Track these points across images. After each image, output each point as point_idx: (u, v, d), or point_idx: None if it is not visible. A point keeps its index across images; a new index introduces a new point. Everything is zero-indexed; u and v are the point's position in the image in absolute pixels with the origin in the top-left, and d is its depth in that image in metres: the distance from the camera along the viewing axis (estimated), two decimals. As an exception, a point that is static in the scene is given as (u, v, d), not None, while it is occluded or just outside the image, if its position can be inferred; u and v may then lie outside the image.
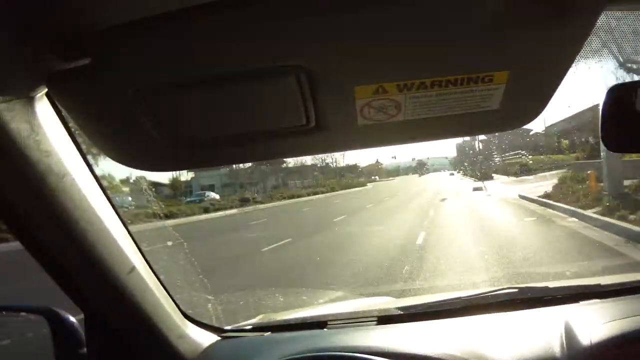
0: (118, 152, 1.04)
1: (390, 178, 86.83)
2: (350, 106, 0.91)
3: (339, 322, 1.79)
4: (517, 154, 44.54)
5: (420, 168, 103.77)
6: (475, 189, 29.21)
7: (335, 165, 69.97)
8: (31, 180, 1.07)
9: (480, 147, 54.85)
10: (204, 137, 0.99)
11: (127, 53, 0.83)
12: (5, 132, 0.97)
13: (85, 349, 1.48)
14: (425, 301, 1.91)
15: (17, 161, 1.03)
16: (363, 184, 60.52)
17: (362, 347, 1.49)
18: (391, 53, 0.83)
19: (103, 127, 0.98)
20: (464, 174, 61.39)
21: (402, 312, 1.76)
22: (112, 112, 0.94)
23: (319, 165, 65.25)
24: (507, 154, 47.08)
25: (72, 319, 1.50)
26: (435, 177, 73.86)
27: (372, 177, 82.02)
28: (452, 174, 71.79)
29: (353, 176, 73.58)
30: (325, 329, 1.76)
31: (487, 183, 34.24)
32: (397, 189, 40.90)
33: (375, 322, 1.74)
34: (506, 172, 40.59)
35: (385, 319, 1.75)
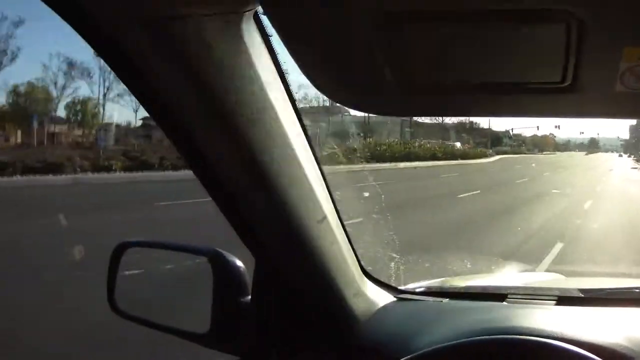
0: (337, 90, 0.95)
1: (553, 153, 76.86)
2: (613, 68, 0.80)
3: (518, 296, 1.67)
4: None
5: (590, 146, 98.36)
6: None
7: (489, 127, 59.74)
8: (227, 109, 1.00)
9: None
10: (444, 84, 0.88)
11: None
12: (206, 49, 0.90)
13: (249, 297, 1.42)
14: (606, 285, 1.80)
15: (215, 84, 0.96)
16: (481, 155, 44.33)
17: (541, 329, 1.38)
18: None
19: (323, 59, 0.88)
20: (637, 161, 45.79)
21: (582, 295, 1.63)
22: (337, 42, 0.83)
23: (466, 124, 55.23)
24: None
25: (239, 263, 1.44)
26: (604, 157, 63.03)
27: (534, 150, 72.52)
28: (621, 156, 64.58)
29: (515, 145, 66.55)
30: (504, 302, 1.64)
31: None
32: (528, 175, 26.36)
33: (554, 302, 1.61)
34: None
35: (564, 299, 1.62)
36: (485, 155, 45.77)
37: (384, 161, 27.38)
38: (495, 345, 1.30)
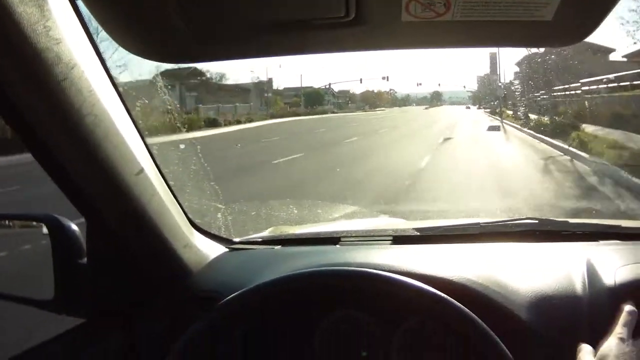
0: (136, 42, 0.98)
1: (383, 109, 68.87)
2: None
3: (352, 238, 1.74)
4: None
5: (433, 99, 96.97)
6: None
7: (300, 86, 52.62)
8: (38, 69, 1.00)
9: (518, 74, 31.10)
10: (231, 26, 0.92)
11: None
12: (13, 15, 0.90)
13: (85, 259, 1.43)
14: (442, 224, 1.85)
15: (24, 47, 0.95)
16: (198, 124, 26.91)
17: (377, 264, 1.43)
18: None
19: (120, 15, 0.91)
20: (492, 113, 36.14)
21: (418, 233, 1.71)
22: None
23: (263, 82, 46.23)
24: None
25: (74, 226, 1.44)
26: (447, 112, 54.44)
27: (364, 107, 66.10)
28: (469, 108, 62.38)
29: (342, 102, 60.46)
30: (338, 245, 1.71)
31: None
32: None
33: (390, 242, 1.69)
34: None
35: (400, 238, 1.70)
36: (216, 125, 30.15)
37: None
38: (327, 276, 1.32)
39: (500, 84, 35.08)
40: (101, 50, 1.15)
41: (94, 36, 1.12)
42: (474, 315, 1.16)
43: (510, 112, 29.60)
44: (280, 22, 0.91)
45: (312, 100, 55.88)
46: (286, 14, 0.89)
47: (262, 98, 47.67)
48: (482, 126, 26.19)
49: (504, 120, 26.26)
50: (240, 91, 44.83)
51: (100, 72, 1.16)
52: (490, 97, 43.75)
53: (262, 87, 47.92)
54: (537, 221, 1.69)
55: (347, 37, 0.95)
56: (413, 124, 31.97)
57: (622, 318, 1.15)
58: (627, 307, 1.17)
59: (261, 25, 0.91)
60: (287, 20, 0.90)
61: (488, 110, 42.99)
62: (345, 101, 65.81)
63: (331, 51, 1.05)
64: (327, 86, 61.34)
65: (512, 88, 33.94)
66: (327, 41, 0.98)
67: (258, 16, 0.90)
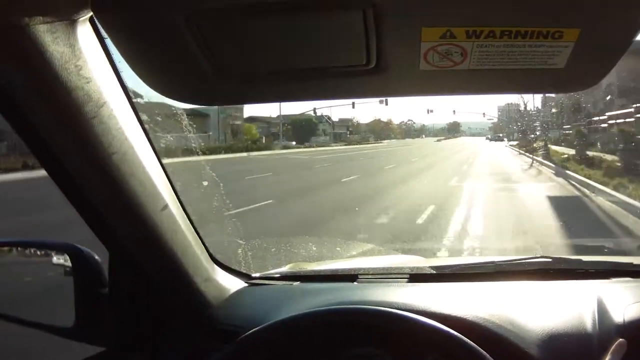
0: (163, 84, 1.01)
1: (379, 142, 61.23)
2: (414, 49, 0.88)
3: (369, 276, 1.75)
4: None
5: (451, 130, 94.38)
6: None
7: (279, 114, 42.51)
8: (68, 107, 1.03)
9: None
10: (257, 71, 0.95)
11: None
12: (45, 54, 0.93)
13: (107, 289, 1.45)
14: (458, 262, 1.87)
15: (55, 86, 0.98)
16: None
17: (393, 302, 1.44)
18: None
19: (149, 56, 0.95)
20: (527, 151, 24.63)
21: (434, 272, 1.72)
22: (160, 40, 0.90)
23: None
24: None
25: (96, 257, 1.47)
26: (460, 146, 48.79)
27: (370, 138, 60.70)
28: (488, 139, 57.96)
29: (344, 133, 55.65)
30: (355, 283, 1.72)
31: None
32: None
33: (406, 280, 1.70)
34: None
35: (417, 277, 1.71)
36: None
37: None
38: (343, 314, 1.34)
39: (533, 110, 27.62)
40: (129, 88, 1.18)
41: (122, 74, 1.14)
42: (486, 354, 1.18)
43: (565, 152, 18.48)
44: (304, 68, 0.94)
45: (302, 130, 47.51)
46: (310, 61, 0.93)
47: (228, 126, 40.26)
48: (527, 202, 11.91)
49: (567, 171, 14.79)
50: (195, 117, 36.83)
51: (128, 110, 1.18)
52: (519, 126, 32.30)
53: (228, 113, 39.27)
54: (550, 259, 1.70)
55: (367, 84, 0.99)
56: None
57: None
58: (611, 352, 1.19)
59: (286, 70, 0.95)
60: (311, 67, 0.94)
61: (514, 143, 32.31)
62: (345, 132, 60.12)
63: (351, 97, 1.10)
64: (313, 111, 52.34)
65: (552, 112, 25.96)
66: (348, 88, 1.02)
67: (283, 62, 0.93)
